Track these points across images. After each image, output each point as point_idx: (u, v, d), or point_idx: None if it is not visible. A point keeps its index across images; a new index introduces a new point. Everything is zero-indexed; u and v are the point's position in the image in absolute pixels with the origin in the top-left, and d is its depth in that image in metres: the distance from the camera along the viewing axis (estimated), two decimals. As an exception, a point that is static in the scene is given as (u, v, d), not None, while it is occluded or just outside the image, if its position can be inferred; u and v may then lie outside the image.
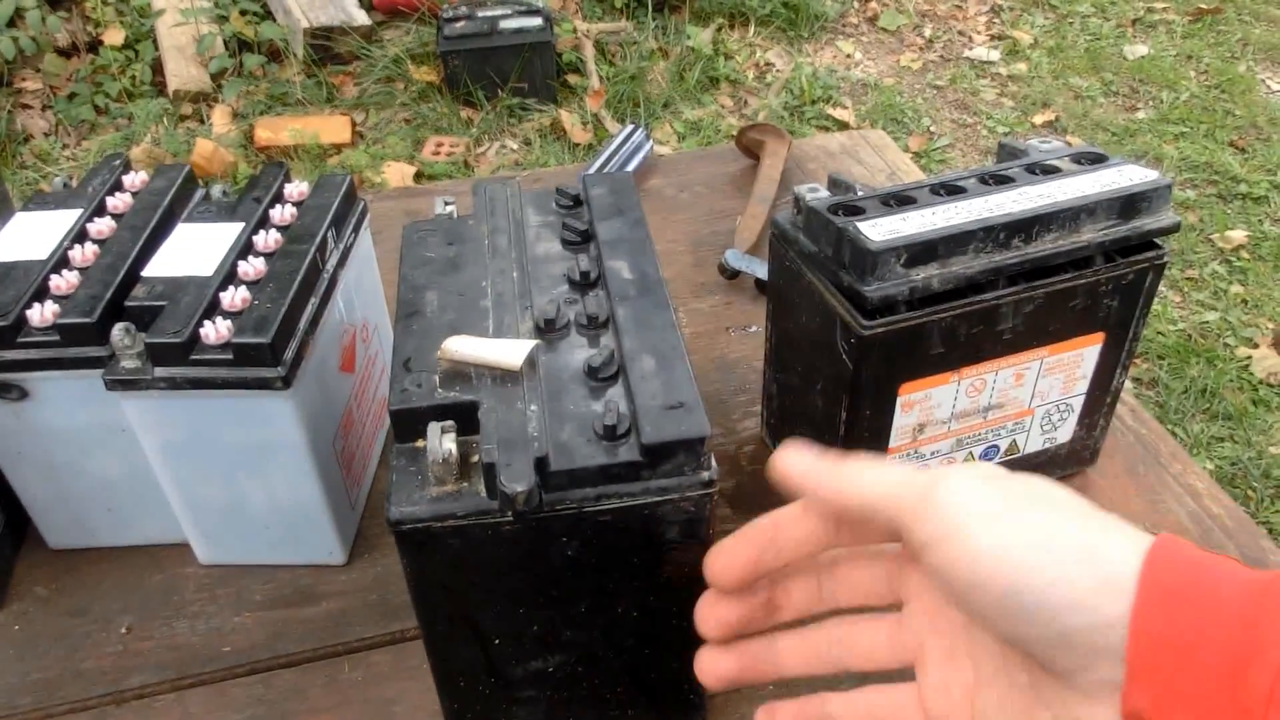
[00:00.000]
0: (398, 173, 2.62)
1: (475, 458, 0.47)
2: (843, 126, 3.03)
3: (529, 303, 0.55)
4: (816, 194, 0.66)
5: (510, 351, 0.49)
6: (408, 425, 0.48)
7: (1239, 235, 2.61)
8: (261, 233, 0.64)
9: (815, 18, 3.48)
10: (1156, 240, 0.66)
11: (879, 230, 0.60)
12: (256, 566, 0.68)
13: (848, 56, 3.42)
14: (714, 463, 0.48)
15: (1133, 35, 3.56)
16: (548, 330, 0.53)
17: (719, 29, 3.34)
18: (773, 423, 0.79)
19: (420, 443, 0.47)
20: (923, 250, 0.60)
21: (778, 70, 3.28)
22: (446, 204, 0.63)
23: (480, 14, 2.91)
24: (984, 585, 0.34)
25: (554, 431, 0.47)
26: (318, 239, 0.64)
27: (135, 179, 0.70)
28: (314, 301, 0.62)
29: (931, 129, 3.08)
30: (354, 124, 2.81)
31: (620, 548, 0.49)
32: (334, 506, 0.66)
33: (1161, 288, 2.46)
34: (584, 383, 0.50)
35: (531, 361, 0.50)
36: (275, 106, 2.83)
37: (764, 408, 0.80)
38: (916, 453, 0.69)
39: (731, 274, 0.95)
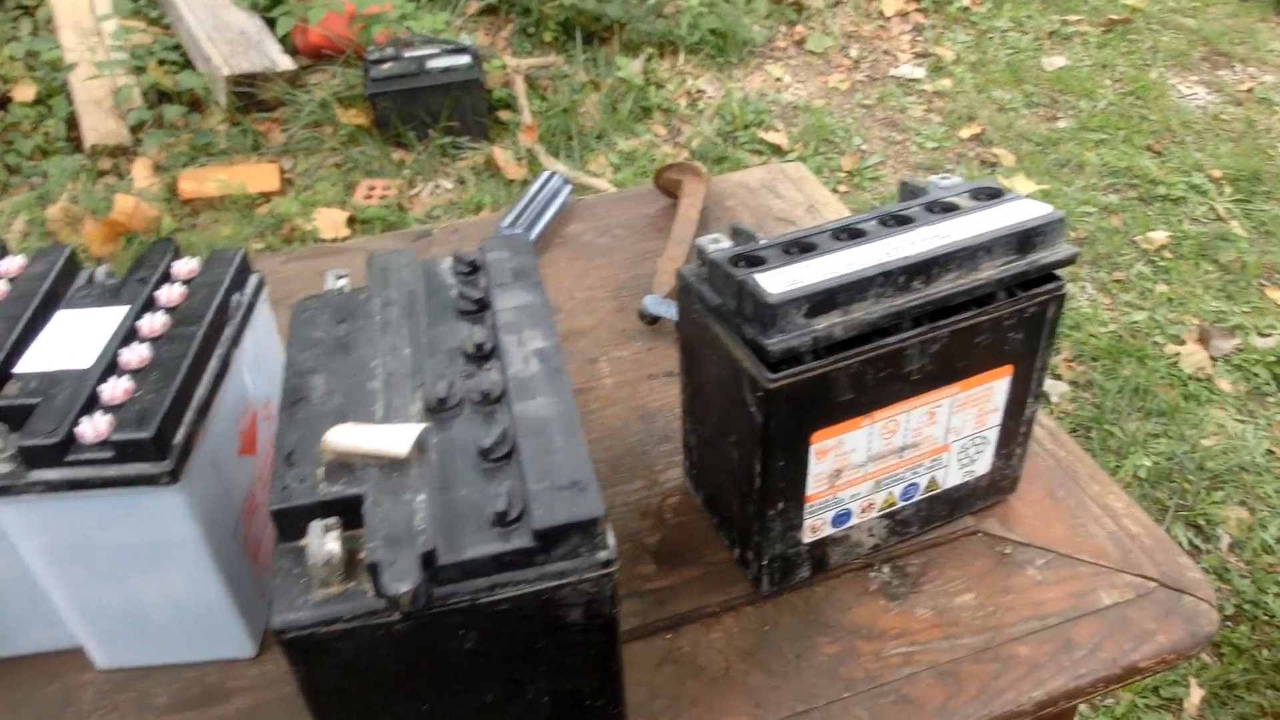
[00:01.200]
0: (329, 219, 2.59)
1: (364, 554, 0.45)
2: (776, 150, 3.05)
3: (421, 381, 0.53)
4: (718, 245, 0.65)
5: (396, 438, 0.48)
6: (290, 524, 0.46)
7: (1161, 236, 2.66)
8: (147, 316, 0.62)
9: (743, 44, 3.51)
10: (1055, 273, 0.67)
11: (779, 281, 0.59)
12: (160, 667, 0.66)
13: (777, 80, 3.45)
14: (611, 540, 0.47)
15: (1050, 47, 3.63)
16: (440, 410, 0.51)
17: (649, 59, 3.35)
18: (695, 473, 0.78)
19: (304, 542, 0.46)
20: (823, 299, 0.59)
21: (709, 97, 3.30)
22: (338, 277, 0.61)
23: (407, 54, 2.89)
24: None
25: (444, 521, 0.46)
26: (207, 319, 0.62)
27: (11, 264, 0.67)
28: (204, 386, 0.60)
29: (863, 147, 3.11)
30: (282, 171, 2.77)
31: (522, 635, 0.47)
32: (240, 598, 0.63)
33: (1091, 290, 2.51)
34: (477, 465, 0.49)
35: (421, 446, 0.48)
36: (199, 157, 2.78)
37: (685, 458, 0.79)
38: (835, 498, 0.68)
39: (651, 320, 0.94)
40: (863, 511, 0.70)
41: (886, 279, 0.61)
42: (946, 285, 0.63)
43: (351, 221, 2.60)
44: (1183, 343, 2.34)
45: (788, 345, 0.58)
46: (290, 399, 0.52)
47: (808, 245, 0.64)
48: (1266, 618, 1.78)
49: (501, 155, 2.86)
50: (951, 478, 0.73)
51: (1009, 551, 0.75)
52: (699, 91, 3.31)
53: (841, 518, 0.70)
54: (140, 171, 2.68)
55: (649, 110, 3.17)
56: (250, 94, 2.89)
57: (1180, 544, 1.90)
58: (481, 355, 0.55)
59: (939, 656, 0.68)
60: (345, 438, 0.48)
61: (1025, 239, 0.64)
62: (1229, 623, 1.78)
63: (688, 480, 0.79)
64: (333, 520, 0.45)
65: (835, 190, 2.89)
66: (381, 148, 2.85)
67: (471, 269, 0.62)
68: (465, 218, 2.66)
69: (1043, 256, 0.65)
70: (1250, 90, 3.37)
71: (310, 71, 3.06)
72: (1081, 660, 0.68)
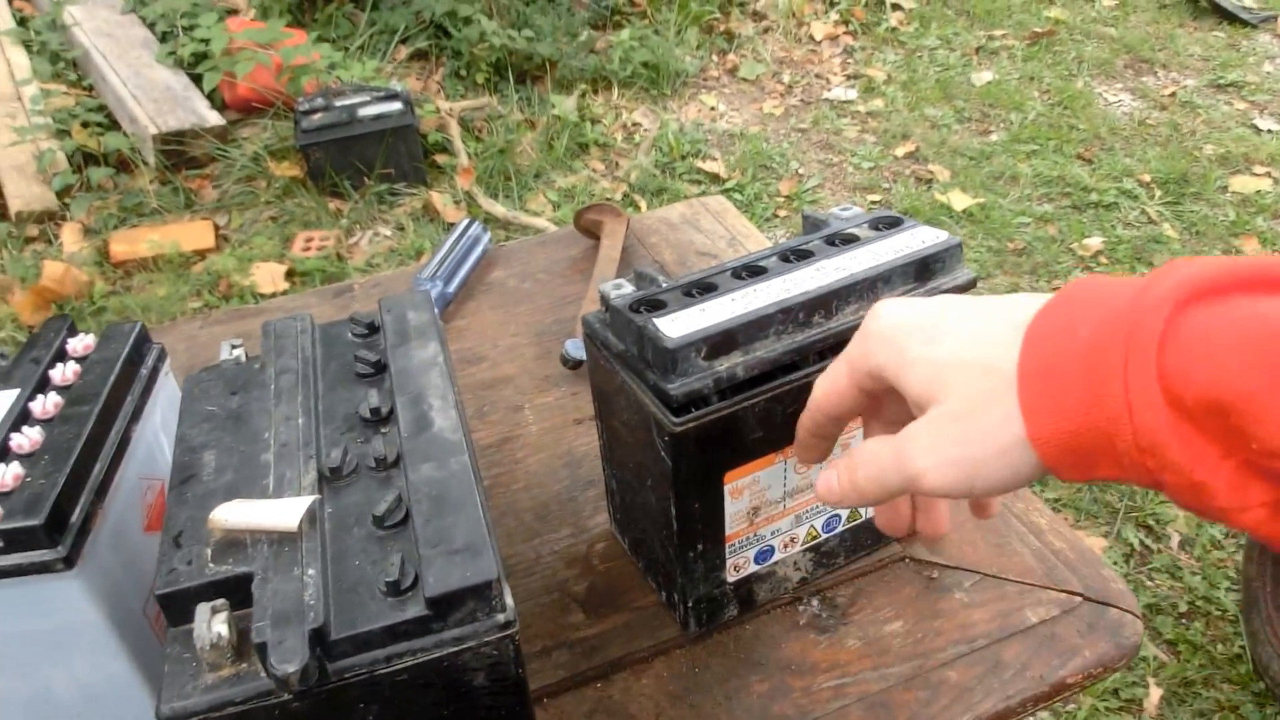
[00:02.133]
0: (267, 273, 2.56)
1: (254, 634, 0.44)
2: (714, 179, 3.07)
3: (314, 450, 0.52)
4: (620, 291, 0.65)
5: (285, 512, 0.47)
6: (178, 608, 0.45)
7: (1095, 242, 2.72)
8: (40, 397, 0.60)
9: (676, 75, 3.54)
10: (959, 298, 0.67)
11: (677, 325, 0.59)
12: (72, 754, 0.64)
13: (712, 109, 3.48)
14: (510, 602, 0.46)
15: (978, 63, 3.71)
16: (334, 479, 0.51)
17: (582, 95, 3.37)
18: (619, 518, 0.77)
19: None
20: (722, 340, 0.59)
21: (645, 130, 3.33)
22: (234, 347, 0.60)
23: (338, 103, 2.88)
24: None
25: (337, 594, 0.45)
26: (103, 396, 0.61)
27: (-99, 352, 0.66)
28: (101, 466, 0.59)
29: (800, 171, 3.14)
30: (217, 228, 2.74)
31: (425, 704, 0.46)
32: (154, 679, 0.62)
33: (1032, 302, 2.54)
34: (371, 534, 0.48)
35: (312, 518, 0.48)
36: (130, 218, 2.75)
37: (608, 503, 0.78)
38: (756, 536, 0.68)
39: (574, 364, 0.94)
40: (785, 547, 0.70)
41: (786, 316, 0.61)
42: (848, 318, 0.63)
43: (290, 275, 2.58)
44: (1122, 346, 2.38)
45: (690, 389, 0.58)
46: (179, 477, 0.51)
47: (708, 286, 0.64)
48: (1219, 613, 1.80)
49: (439, 199, 2.86)
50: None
51: (936, 575, 0.75)
52: (635, 124, 3.34)
53: (764, 554, 0.70)
54: (69, 236, 2.64)
55: (585, 146, 3.18)
56: (180, 151, 2.87)
57: (1132, 545, 1.92)
58: (378, 419, 0.54)
59: (869, 687, 0.68)
60: (233, 514, 0.47)
61: (923, 266, 0.65)
62: (1184, 620, 1.80)
63: (613, 525, 0.79)
64: (220, 602, 0.44)
65: (775, 215, 2.92)
66: (317, 199, 2.83)
67: (370, 330, 0.62)
68: (405, 265, 2.65)
69: (942, 283, 0.66)
70: (1173, 95, 3.46)
71: (240, 126, 3.05)
72: (1010, 681, 0.68)
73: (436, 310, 0.97)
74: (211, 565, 0.46)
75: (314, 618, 0.43)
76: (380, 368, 0.58)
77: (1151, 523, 1.97)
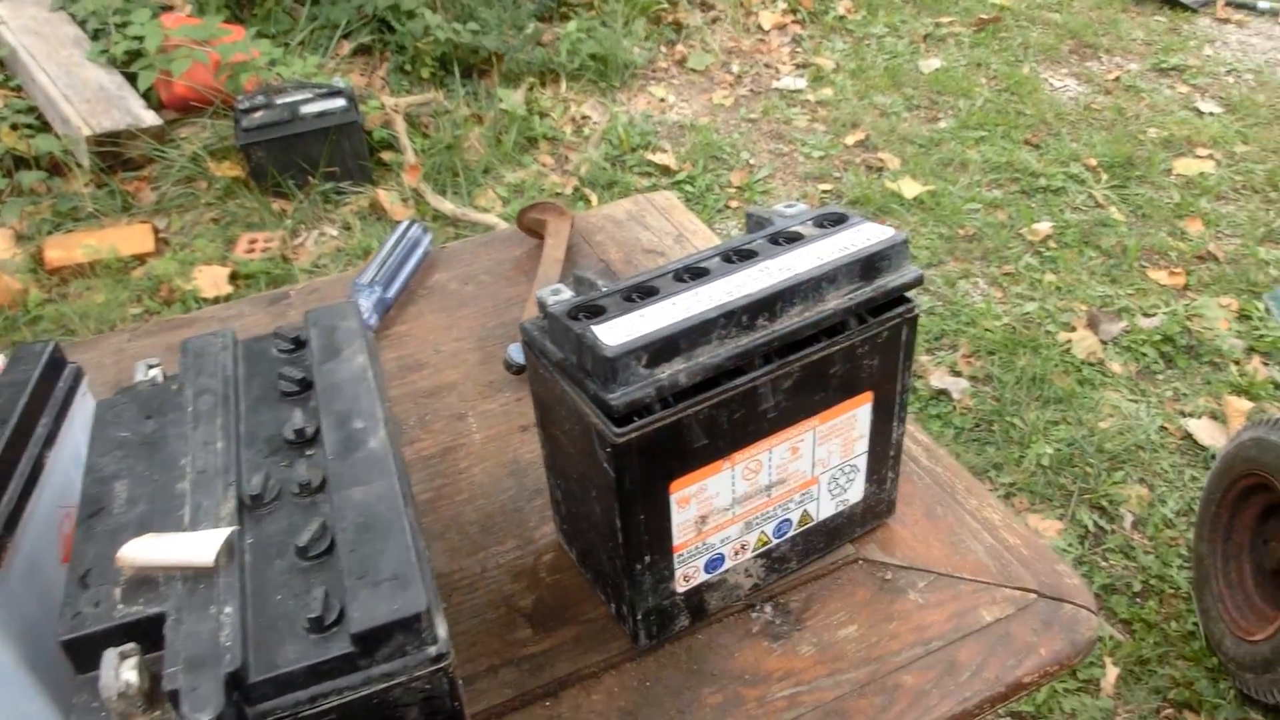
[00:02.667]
0: (210, 276, 2.50)
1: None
2: (665, 170, 3.05)
3: (234, 477, 0.50)
4: (558, 297, 0.63)
5: (200, 547, 0.44)
6: (85, 654, 0.42)
7: (1044, 227, 2.73)
8: (-56, 427, 0.57)
9: (625, 66, 3.51)
10: (905, 295, 0.66)
11: (617, 333, 0.57)
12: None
13: (661, 101, 3.46)
14: (442, 633, 0.44)
15: (925, 50, 3.72)
16: (255, 507, 0.48)
17: (530, 89, 3.33)
18: (565, 528, 0.75)
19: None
20: (664, 347, 0.57)
21: (594, 122, 3.29)
22: (150, 367, 0.57)
23: (279, 100, 2.82)
24: None
25: (257, 632, 0.42)
26: (13, 422, 0.58)
27: None
28: (11, 495, 0.56)
29: (751, 162, 3.13)
30: (156, 231, 2.67)
31: (354, 743, 0.44)
32: (72, 716, 0.58)
33: (984, 285, 2.56)
34: (294, 565, 0.45)
35: (230, 551, 0.45)
36: (65, 223, 2.67)
37: (554, 513, 0.76)
38: (705, 544, 0.66)
39: (518, 369, 0.92)
40: (736, 554, 0.69)
41: (729, 319, 0.59)
42: (793, 319, 0.61)
43: (234, 277, 2.52)
44: (1073, 329, 2.40)
45: (631, 398, 0.56)
46: (87, 511, 0.48)
47: (649, 290, 0.62)
48: (1172, 590, 1.82)
49: (386, 197, 2.81)
50: (824, 509, 0.72)
51: (890, 577, 0.74)
52: (584, 118, 3.30)
53: (714, 563, 0.68)
54: (0, 243, 2.56)
55: (534, 140, 3.14)
56: (115, 153, 2.79)
57: (1087, 527, 1.94)
58: (302, 441, 0.52)
59: (824, 695, 0.66)
60: (144, 551, 0.44)
61: (869, 264, 0.64)
62: (1138, 599, 1.82)
63: (560, 535, 0.77)
64: (130, 646, 0.41)
65: (727, 206, 2.91)
66: (260, 199, 2.77)
67: (295, 345, 0.59)
68: (353, 264, 2.60)
69: (889, 281, 0.64)
70: (1118, 79, 3.49)
71: (178, 125, 2.97)
72: (966, 683, 0.67)
73: (376, 316, 0.95)
74: (121, 606, 0.43)
75: (230, 660, 0.40)
76: (306, 385, 0.56)
77: (1105, 504, 1.98)
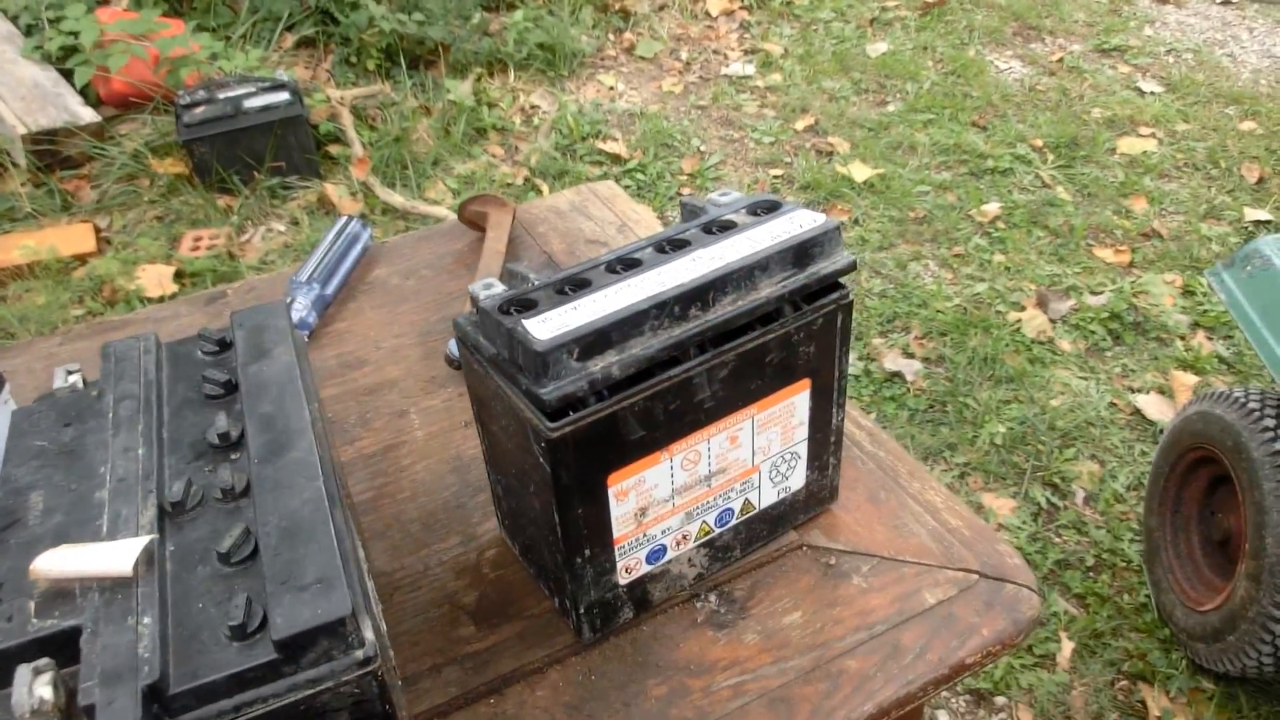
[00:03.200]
0: (155, 275, 2.46)
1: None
2: (615, 159, 3.04)
3: (155, 484, 0.48)
4: (490, 291, 0.62)
5: (117, 556, 0.43)
6: (-2, 670, 0.41)
7: (993, 208, 2.76)
8: None
9: (573, 55, 3.49)
10: (840, 281, 0.66)
11: (548, 326, 0.57)
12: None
13: (611, 89, 3.44)
14: (368, 636, 0.43)
15: (872, 34, 3.73)
16: (176, 513, 0.47)
17: (478, 79, 3.30)
18: (507, 523, 0.75)
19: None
20: (595, 340, 0.57)
21: (544, 112, 3.28)
22: (69, 374, 0.56)
23: (221, 95, 2.77)
24: None
25: (177, 642, 0.41)
26: (-71, 434, 0.56)
27: None
28: (-72, 510, 0.54)
29: (701, 148, 3.13)
30: (98, 230, 2.62)
31: (283, 750, 0.43)
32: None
33: (933, 266, 2.58)
34: (216, 572, 0.44)
35: (150, 559, 0.44)
36: (2, 224, 2.61)
37: (496, 508, 0.75)
38: (646, 536, 0.66)
39: (459, 364, 0.91)
40: (678, 545, 0.69)
41: (661, 310, 0.59)
42: (726, 308, 0.61)
43: (180, 276, 2.48)
44: (1023, 309, 2.43)
45: (564, 392, 0.56)
46: (1, 523, 0.46)
47: (581, 282, 0.61)
48: (1124, 564, 1.85)
49: (334, 191, 2.77)
50: (766, 497, 0.72)
51: (834, 562, 0.74)
52: (533, 107, 3.28)
53: (656, 554, 0.68)
54: (-63, 246, 2.50)
55: (484, 131, 3.12)
56: (53, 151, 2.73)
57: (1040, 504, 1.96)
58: (227, 445, 0.51)
59: (770, 683, 0.66)
60: (58, 562, 0.43)
61: (802, 251, 0.63)
62: (1091, 574, 1.84)
63: (503, 530, 0.76)
64: (45, 661, 0.40)
65: (679, 194, 2.90)
66: (205, 195, 2.73)
67: (221, 346, 0.58)
68: (300, 261, 2.56)
69: (822, 268, 0.64)
70: (1061, 60, 3.53)
71: (117, 122, 2.91)
72: (910, 665, 0.67)
73: (315, 314, 0.93)
74: (35, 620, 0.42)
75: (149, 671, 0.39)
76: (231, 388, 0.55)
77: (1058, 480, 2.01)
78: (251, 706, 0.41)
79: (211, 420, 0.52)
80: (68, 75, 2.91)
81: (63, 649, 0.41)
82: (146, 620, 0.41)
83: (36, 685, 0.39)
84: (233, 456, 0.50)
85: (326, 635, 0.41)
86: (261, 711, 0.41)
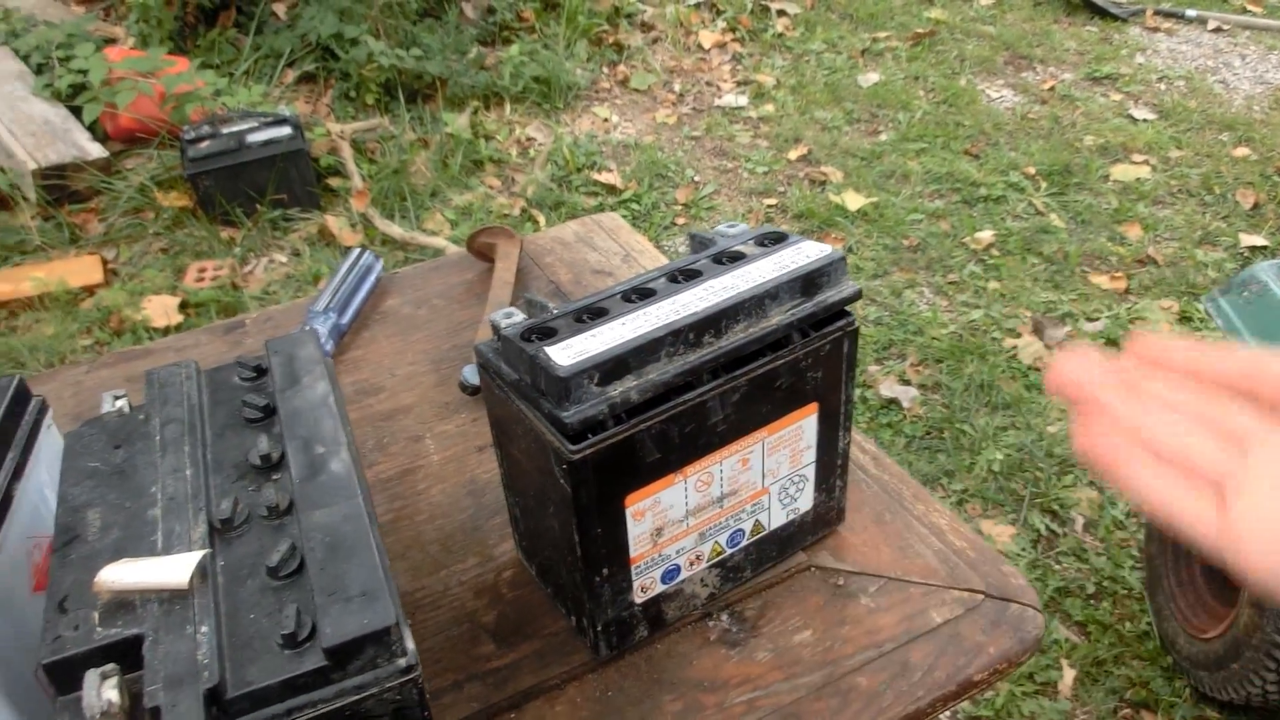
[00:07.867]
0: (160, 306, 2.49)
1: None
2: (611, 190, 3.08)
3: (203, 502, 0.51)
4: (511, 319, 0.65)
5: (174, 569, 0.46)
6: (66, 677, 0.43)
7: (987, 235, 2.80)
8: (-91, 465, 0.58)
9: (568, 88, 3.54)
10: (845, 309, 0.69)
11: (569, 353, 0.60)
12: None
13: (605, 121, 3.49)
14: (410, 645, 0.46)
15: (864, 65, 3.80)
16: (225, 531, 0.50)
17: (475, 112, 3.35)
18: (524, 544, 0.77)
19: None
20: (614, 366, 0.60)
21: (540, 144, 3.32)
22: (116, 398, 0.59)
23: (225, 130, 2.82)
24: None
25: (232, 650, 0.44)
26: (-21, 459, 0.59)
27: None
28: (-20, 530, 0.57)
29: (696, 179, 3.18)
30: (105, 262, 2.65)
31: (328, 754, 0.46)
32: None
33: (929, 294, 2.61)
34: (265, 585, 0.47)
35: (203, 573, 0.47)
36: (11, 256, 2.64)
37: (513, 530, 0.78)
38: (661, 556, 0.69)
39: (473, 390, 0.94)
40: (691, 564, 0.71)
41: (677, 337, 0.62)
42: (738, 336, 0.64)
43: (184, 306, 2.51)
44: (1019, 335, 2.46)
45: (584, 416, 0.59)
46: (62, 539, 0.49)
47: (599, 310, 0.64)
48: (1125, 591, 1.87)
49: (335, 223, 2.81)
50: (776, 519, 0.74)
51: (842, 582, 0.77)
52: (529, 139, 3.33)
53: (671, 573, 0.70)
54: (-53, 278, 2.53)
55: (480, 163, 3.16)
56: (61, 185, 2.77)
57: (1039, 531, 1.98)
58: (268, 466, 0.53)
59: (781, 699, 0.69)
60: (120, 575, 0.46)
61: (809, 281, 0.67)
62: (1092, 601, 1.86)
63: (520, 551, 0.79)
64: (110, 667, 0.43)
65: (673, 224, 2.94)
66: (209, 228, 2.76)
67: (257, 373, 0.60)
68: (304, 290, 2.59)
69: (828, 296, 0.67)
70: (1052, 89, 3.59)
71: (124, 157, 2.95)
72: (918, 683, 0.70)
73: (331, 342, 0.96)
74: (100, 629, 0.44)
75: (208, 677, 0.42)
76: (269, 412, 0.57)
77: (1056, 508, 2.03)
78: (302, 711, 0.43)
79: (253, 442, 0.55)
80: (76, 112, 2.96)
81: (126, 656, 0.43)
82: (204, 629, 0.44)
83: (104, 689, 0.42)
84: (274, 476, 0.53)
85: (372, 644, 0.44)
86: (311, 716, 0.44)
